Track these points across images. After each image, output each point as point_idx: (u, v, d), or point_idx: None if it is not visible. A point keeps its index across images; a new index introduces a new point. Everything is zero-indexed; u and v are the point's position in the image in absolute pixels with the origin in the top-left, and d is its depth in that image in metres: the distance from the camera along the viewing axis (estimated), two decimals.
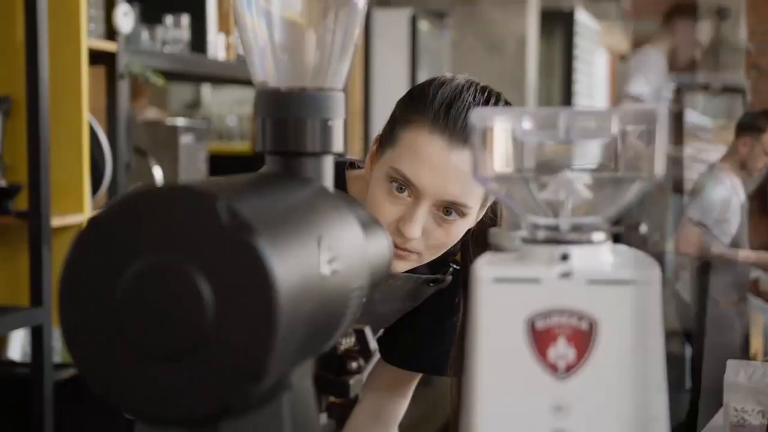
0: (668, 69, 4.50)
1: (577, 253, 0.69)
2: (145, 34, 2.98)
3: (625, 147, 0.69)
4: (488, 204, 1.32)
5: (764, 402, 1.84)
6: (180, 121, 3.23)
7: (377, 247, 0.84)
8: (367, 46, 4.60)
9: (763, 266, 4.28)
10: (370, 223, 0.85)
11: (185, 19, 3.07)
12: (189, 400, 0.61)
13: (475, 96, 1.25)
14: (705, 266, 4.21)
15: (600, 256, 0.70)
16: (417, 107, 1.25)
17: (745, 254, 4.21)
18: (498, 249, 0.77)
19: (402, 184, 1.24)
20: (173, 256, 0.61)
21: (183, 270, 0.60)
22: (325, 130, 0.80)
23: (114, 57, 2.68)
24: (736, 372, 1.93)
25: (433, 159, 1.21)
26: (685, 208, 4.61)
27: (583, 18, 7.58)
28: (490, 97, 1.27)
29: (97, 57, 2.65)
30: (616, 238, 0.74)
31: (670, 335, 4.60)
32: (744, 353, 4.20)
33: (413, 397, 1.57)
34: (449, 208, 1.24)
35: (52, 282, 2.36)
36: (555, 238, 0.70)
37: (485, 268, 0.69)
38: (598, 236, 0.70)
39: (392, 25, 4.88)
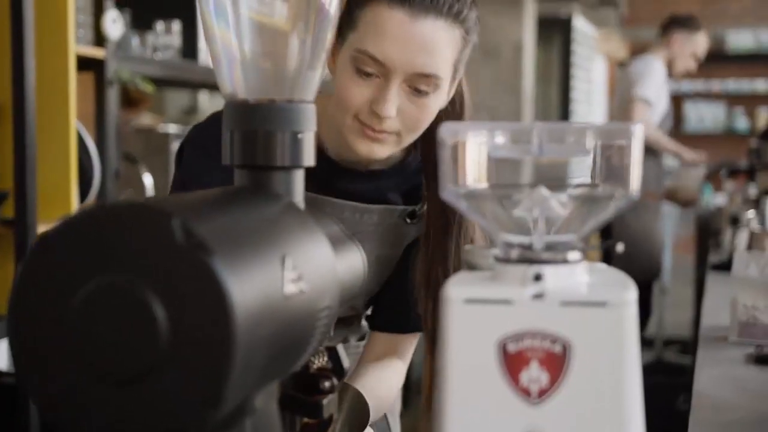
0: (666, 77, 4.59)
1: (550, 273, 0.66)
2: (135, 40, 2.96)
3: (601, 164, 0.67)
4: (458, 77, 1.30)
5: None
6: (172, 128, 3.20)
7: (348, 263, 0.82)
8: None
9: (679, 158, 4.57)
10: (341, 239, 0.83)
11: (176, 26, 3.04)
12: (143, 427, 0.58)
13: None
14: None
15: (575, 276, 0.67)
16: None
17: (672, 145, 4.44)
18: (471, 267, 0.75)
19: (368, 64, 1.21)
20: (126, 276, 0.58)
21: (136, 291, 0.58)
22: (296, 143, 0.78)
23: (103, 63, 2.65)
24: (745, 264, 1.79)
25: (396, 32, 1.20)
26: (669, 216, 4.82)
27: (580, 25, 7.56)
28: None
29: (85, 63, 2.62)
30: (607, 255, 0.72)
31: None
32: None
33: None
34: (419, 85, 1.22)
35: None
36: (528, 258, 0.67)
37: (455, 288, 0.66)
38: (573, 255, 0.68)
39: None
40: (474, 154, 0.68)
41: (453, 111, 1.34)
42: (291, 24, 0.79)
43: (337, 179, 1.36)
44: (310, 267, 0.70)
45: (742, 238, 2.96)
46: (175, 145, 3.11)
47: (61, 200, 2.48)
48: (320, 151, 1.35)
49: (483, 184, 0.69)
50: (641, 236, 4.35)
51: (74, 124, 2.48)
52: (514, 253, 0.68)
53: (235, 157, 0.78)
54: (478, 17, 1.28)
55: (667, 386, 4.71)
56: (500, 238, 0.69)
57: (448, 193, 0.69)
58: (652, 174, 4.51)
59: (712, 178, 9.97)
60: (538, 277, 0.66)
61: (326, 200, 1.33)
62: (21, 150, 2.33)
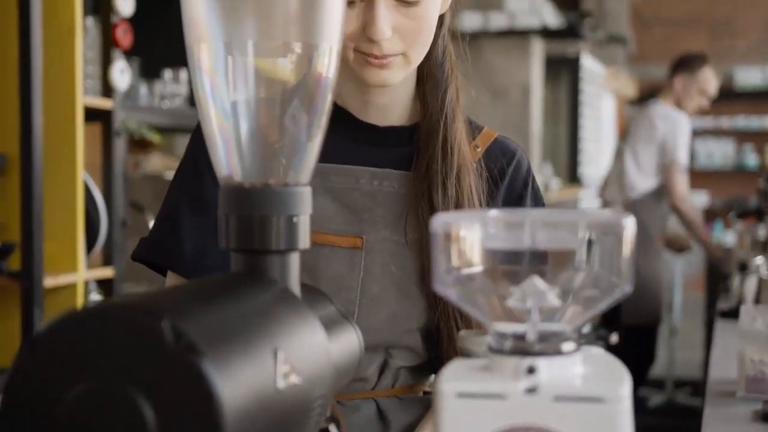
0: None
1: (544, 365, 0.66)
2: (143, 89, 2.98)
3: (594, 255, 0.67)
4: None
5: None
6: None
7: (343, 345, 0.81)
8: None
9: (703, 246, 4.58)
10: (336, 320, 0.83)
11: (184, 74, 3.06)
12: None
13: None
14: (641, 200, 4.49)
15: (569, 367, 0.67)
16: None
17: (700, 228, 4.47)
18: (466, 353, 0.75)
19: None
20: (116, 379, 0.58)
21: (126, 394, 0.58)
22: (291, 227, 0.78)
23: (110, 114, 2.67)
24: (752, 318, 1.76)
25: None
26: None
27: (588, 63, 7.58)
28: None
29: (93, 114, 2.64)
30: None
31: None
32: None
33: None
34: None
35: None
36: (522, 349, 0.67)
37: (448, 382, 0.66)
38: (568, 346, 0.67)
39: None
40: (466, 245, 0.68)
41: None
42: (286, 106, 0.80)
43: (359, 139, 1.29)
44: (303, 357, 0.69)
45: (751, 285, 2.94)
46: None
47: (68, 252, 2.48)
48: (343, 111, 1.29)
49: (475, 274, 0.69)
50: (646, 279, 4.34)
51: (81, 175, 2.50)
52: (507, 345, 0.67)
53: (230, 241, 0.78)
54: None
55: (678, 429, 4.67)
56: (493, 327, 0.69)
57: (439, 283, 0.68)
58: (656, 217, 4.51)
59: (722, 215, 9.95)
60: (531, 370, 0.66)
61: (341, 168, 1.26)
62: (28, 202, 2.34)
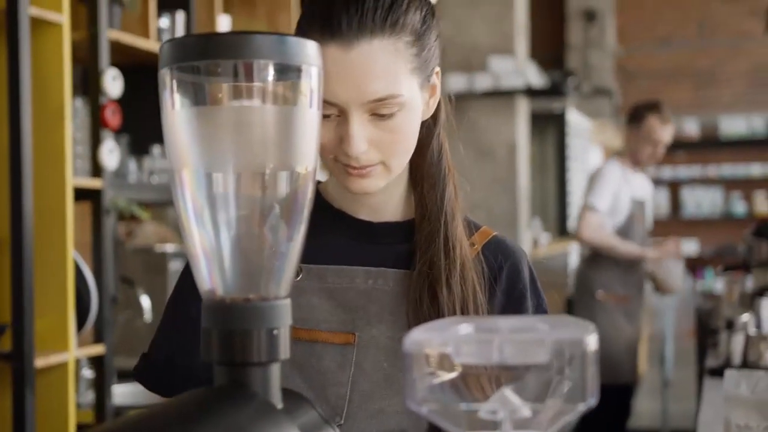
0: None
1: None
2: (132, 165, 3.02)
3: (559, 371, 0.70)
4: (431, 81, 1.23)
5: None
6: (169, 247, 3.24)
7: None
8: None
9: (644, 260, 4.49)
10: (317, 427, 0.85)
11: None
12: None
13: None
14: (591, 257, 4.49)
15: None
16: (304, 26, 1.19)
17: (629, 248, 4.39)
18: None
19: (322, 108, 1.18)
20: None
21: None
22: (271, 340, 0.81)
23: (100, 193, 2.71)
24: (736, 383, 1.75)
25: (334, 68, 1.13)
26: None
27: (574, 118, 7.67)
28: None
29: (83, 193, 2.68)
30: None
31: None
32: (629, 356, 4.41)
33: None
34: (380, 110, 1.15)
35: (36, 426, 2.34)
36: None
37: None
38: None
39: None
40: (437, 361, 0.71)
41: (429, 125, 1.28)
42: (265, 225, 0.83)
43: (354, 237, 1.29)
44: None
45: (738, 342, 2.96)
46: (173, 264, 3.14)
47: (58, 331, 2.50)
48: (337, 211, 1.30)
49: (447, 389, 0.72)
50: (611, 340, 4.34)
51: (71, 255, 2.52)
52: None
53: (213, 354, 0.81)
54: (429, 11, 1.22)
55: None
56: None
57: (410, 398, 0.71)
58: (612, 276, 4.49)
59: (713, 262, 10.00)
60: None
61: (337, 269, 1.26)
62: (18, 283, 2.37)
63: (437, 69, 1.25)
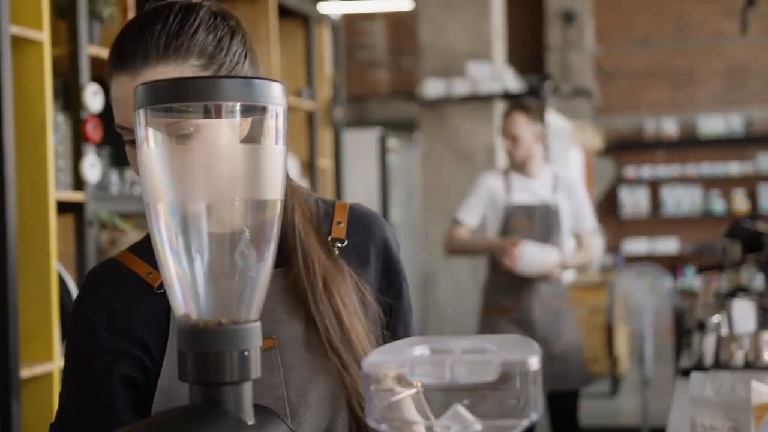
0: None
1: None
2: (114, 176, 3.07)
3: (506, 391, 0.76)
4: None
5: (735, 417, 1.72)
6: None
7: None
8: (338, 166, 4.70)
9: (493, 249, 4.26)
10: None
11: None
12: None
13: (148, 14, 1.22)
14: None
15: None
16: (107, 67, 1.24)
17: (476, 241, 4.24)
18: None
19: (127, 135, 1.21)
20: None
21: None
22: (243, 360, 0.87)
23: (82, 206, 2.76)
24: (701, 385, 1.80)
25: (122, 96, 1.20)
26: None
27: (553, 119, 7.74)
28: (162, 10, 1.22)
29: (65, 206, 2.73)
30: None
31: None
32: None
33: None
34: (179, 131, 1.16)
35: None
36: None
37: None
38: None
39: (363, 144, 5.03)
40: (393, 381, 0.77)
41: None
42: (235, 252, 0.89)
43: None
44: None
45: (710, 343, 3.02)
46: None
47: (43, 343, 2.55)
48: None
49: (403, 406, 0.78)
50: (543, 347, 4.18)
51: (55, 267, 2.58)
52: None
53: (188, 375, 0.87)
54: (227, 32, 1.24)
55: None
56: None
57: (370, 417, 0.77)
58: (496, 288, 4.32)
59: (693, 260, 10.10)
60: None
61: None
62: (3, 295, 2.42)
63: None
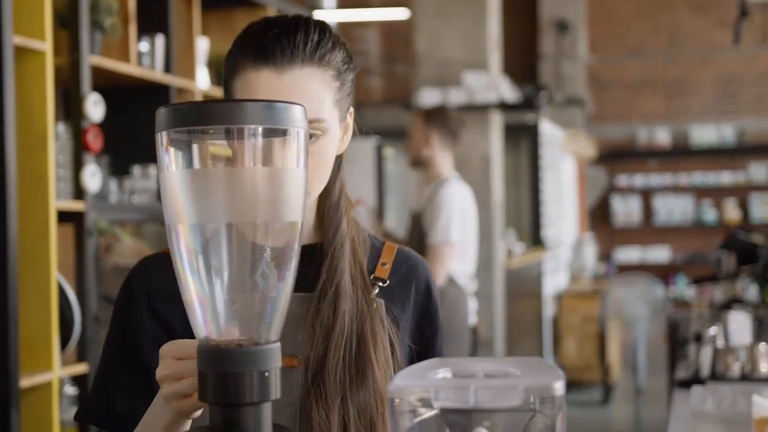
0: None
1: None
2: (114, 185, 3.07)
3: (527, 415, 0.77)
4: (347, 123, 1.30)
5: (736, 430, 1.72)
6: None
7: None
8: None
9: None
10: None
11: (152, 170, 3.17)
12: None
13: (284, 19, 1.25)
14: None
15: None
16: (236, 55, 1.25)
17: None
18: None
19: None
20: None
21: None
22: (263, 382, 0.87)
23: (82, 215, 2.76)
24: (702, 399, 1.80)
25: (267, 90, 1.20)
26: None
27: (547, 128, 7.76)
28: (300, 20, 1.25)
29: (65, 215, 2.73)
30: None
31: None
32: None
33: None
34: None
35: None
36: None
37: None
38: None
39: (358, 154, 5.03)
40: (419, 405, 0.78)
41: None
42: (256, 274, 0.90)
43: None
44: None
45: (706, 355, 3.03)
46: None
47: (42, 351, 2.55)
48: None
49: (428, 429, 0.79)
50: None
51: (55, 276, 2.57)
52: None
53: (209, 396, 0.87)
54: (347, 55, 1.28)
55: None
56: None
57: None
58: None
59: (684, 269, 10.12)
60: None
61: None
62: (3, 303, 2.41)
63: (351, 109, 1.32)
